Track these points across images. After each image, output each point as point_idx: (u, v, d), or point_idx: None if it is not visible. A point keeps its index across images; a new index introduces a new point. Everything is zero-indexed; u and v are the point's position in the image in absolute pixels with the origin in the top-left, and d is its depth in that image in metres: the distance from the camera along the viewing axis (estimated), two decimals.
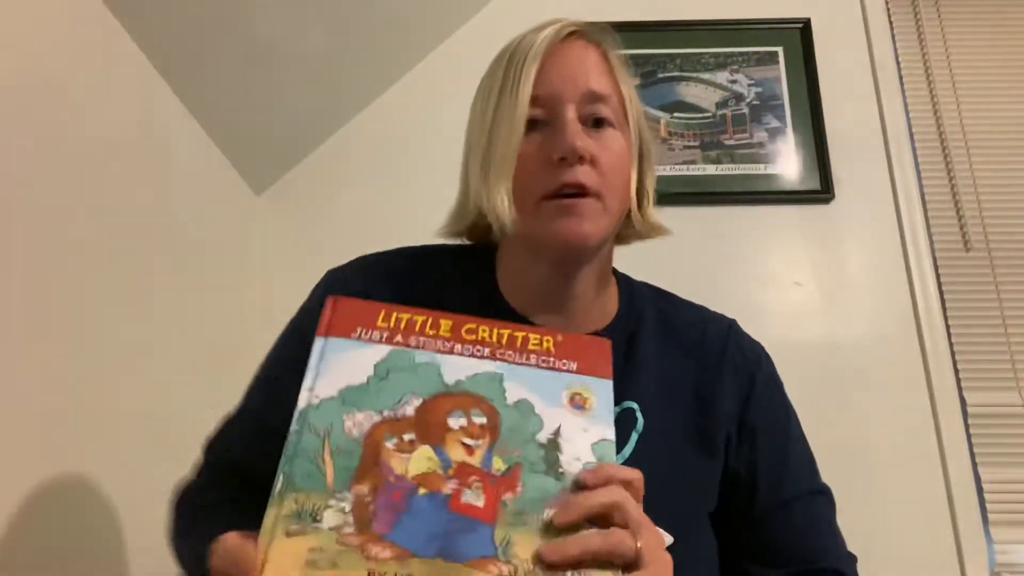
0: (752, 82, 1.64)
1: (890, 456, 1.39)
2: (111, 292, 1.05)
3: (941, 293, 1.50)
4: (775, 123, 1.60)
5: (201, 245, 1.36)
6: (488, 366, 0.51)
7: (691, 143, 1.60)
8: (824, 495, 0.72)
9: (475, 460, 0.47)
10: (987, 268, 1.55)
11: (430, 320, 0.52)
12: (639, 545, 0.45)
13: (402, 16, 1.53)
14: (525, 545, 0.44)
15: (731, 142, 1.59)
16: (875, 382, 1.44)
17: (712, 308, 0.78)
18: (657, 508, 0.63)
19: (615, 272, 0.77)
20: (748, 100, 1.62)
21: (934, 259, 1.53)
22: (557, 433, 0.49)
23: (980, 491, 1.38)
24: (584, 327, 0.70)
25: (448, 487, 0.45)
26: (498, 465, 0.47)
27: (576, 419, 0.50)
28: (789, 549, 0.67)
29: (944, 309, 1.49)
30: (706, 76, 1.65)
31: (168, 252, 1.22)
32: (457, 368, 0.50)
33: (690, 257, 1.49)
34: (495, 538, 0.44)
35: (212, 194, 1.43)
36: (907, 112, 1.63)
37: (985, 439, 1.42)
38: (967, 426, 1.42)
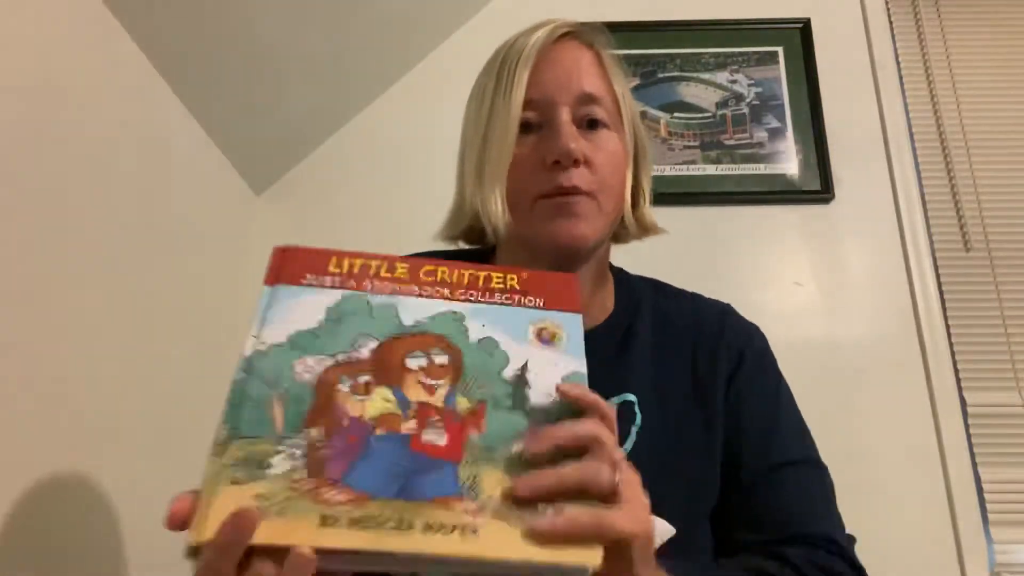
0: (752, 82, 1.64)
1: (890, 456, 1.39)
2: (111, 292, 1.05)
3: (941, 293, 1.50)
4: (775, 123, 1.60)
5: (201, 245, 1.36)
6: (449, 306, 0.49)
7: (691, 143, 1.60)
8: (815, 466, 0.70)
9: (437, 400, 0.45)
10: (987, 268, 1.55)
11: (385, 264, 0.50)
12: (617, 479, 0.42)
13: (402, 16, 1.53)
14: (493, 481, 0.42)
15: (731, 142, 1.59)
16: (875, 382, 1.44)
17: (705, 299, 0.78)
18: (658, 502, 0.63)
19: (612, 267, 0.77)
20: (748, 100, 1.62)
21: (934, 259, 1.53)
22: (524, 368, 0.47)
23: (980, 491, 1.38)
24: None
25: (407, 427, 0.43)
26: (463, 404, 0.45)
27: (545, 353, 0.48)
28: (777, 515, 0.66)
29: (944, 309, 1.49)
30: (706, 76, 1.65)
31: (168, 252, 1.22)
32: (416, 309, 0.48)
33: (690, 257, 1.49)
34: (460, 476, 0.42)
35: (212, 194, 1.43)
36: (907, 112, 1.63)
37: (985, 439, 1.42)
38: (967, 426, 1.42)
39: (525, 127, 0.65)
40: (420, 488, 0.41)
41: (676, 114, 1.62)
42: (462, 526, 0.40)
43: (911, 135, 1.62)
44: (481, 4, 1.68)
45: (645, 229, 0.73)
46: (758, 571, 0.61)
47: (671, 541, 0.62)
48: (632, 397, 0.67)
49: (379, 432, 0.43)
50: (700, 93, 1.64)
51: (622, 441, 0.65)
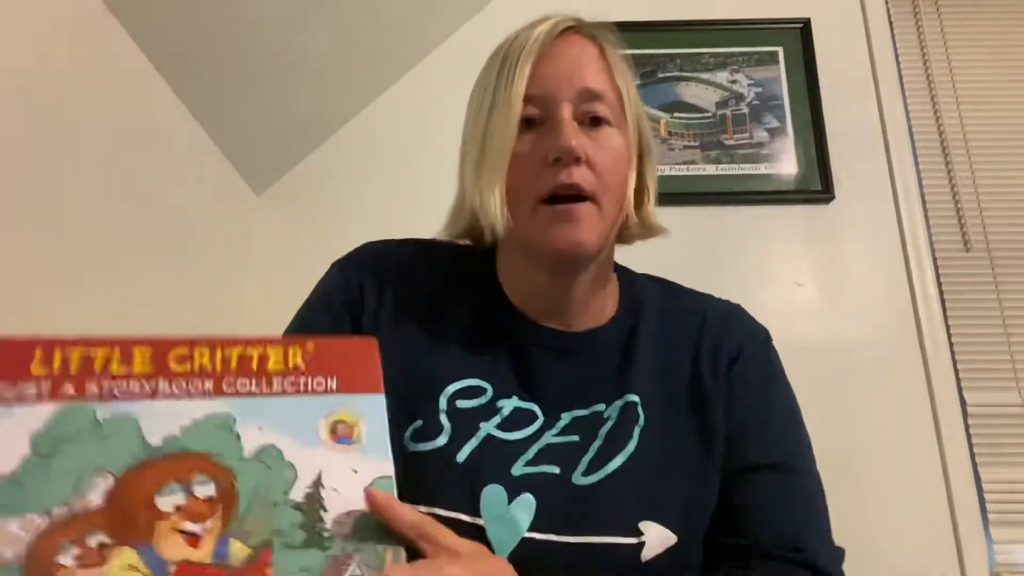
0: (752, 82, 1.64)
1: (890, 456, 1.39)
2: (111, 292, 1.05)
3: (941, 293, 1.50)
4: (775, 123, 1.60)
5: (201, 245, 1.36)
6: (212, 405, 0.36)
7: (691, 143, 1.60)
8: (795, 472, 0.66)
9: (204, 554, 0.33)
10: (987, 268, 1.54)
11: (117, 351, 0.36)
12: None
13: (402, 16, 1.53)
14: None
15: (731, 142, 1.59)
16: (875, 382, 1.43)
17: (715, 299, 0.76)
18: (661, 502, 0.62)
19: (616, 266, 0.76)
20: (748, 100, 1.62)
21: (934, 259, 1.53)
22: (318, 483, 0.36)
23: (980, 491, 1.38)
24: (585, 325, 0.70)
25: None
26: (239, 552, 0.34)
27: (342, 457, 0.38)
28: (741, 519, 0.63)
29: (944, 309, 1.49)
30: (706, 76, 1.65)
31: (168, 252, 1.22)
32: (166, 418, 0.35)
33: (690, 257, 1.49)
34: None
35: (212, 194, 1.43)
36: (907, 112, 1.63)
37: (985, 439, 1.42)
38: (967, 426, 1.42)
39: (526, 123, 0.63)
40: None
41: (676, 114, 1.62)
42: None
43: (911, 135, 1.62)
44: (481, 4, 1.68)
45: (649, 229, 0.71)
46: None
47: (670, 550, 0.61)
48: (635, 398, 0.66)
49: None
50: (700, 93, 1.64)
51: (625, 442, 0.64)
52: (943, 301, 1.50)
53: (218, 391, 0.37)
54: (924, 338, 1.46)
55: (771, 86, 1.63)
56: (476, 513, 0.58)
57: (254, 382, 0.38)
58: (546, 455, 0.62)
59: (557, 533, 0.58)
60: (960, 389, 1.44)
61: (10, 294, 0.85)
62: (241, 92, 1.36)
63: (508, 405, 0.64)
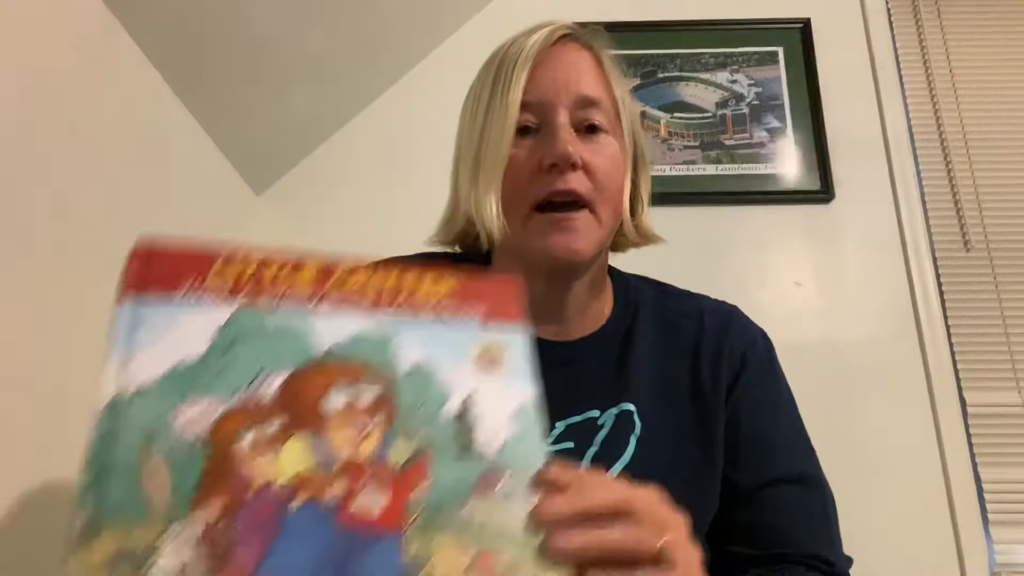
0: (752, 82, 1.64)
1: (890, 456, 1.39)
2: (111, 292, 1.05)
3: (941, 293, 1.50)
4: (775, 123, 1.60)
5: None
6: (372, 323, 0.39)
7: (691, 143, 1.60)
8: (814, 483, 0.68)
9: (368, 450, 0.35)
10: (987, 268, 1.54)
11: (288, 266, 0.39)
12: (662, 543, 0.38)
13: (402, 16, 1.53)
14: (449, 554, 0.34)
15: (731, 142, 1.59)
16: (875, 382, 1.43)
17: (711, 300, 0.76)
18: None
19: (611, 269, 0.76)
20: (748, 100, 1.62)
21: (934, 259, 1.53)
22: (468, 403, 0.38)
23: (980, 491, 1.38)
24: (579, 332, 0.69)
25: (334, 492, 0.34)
26: (400, 452, 0.36)
27: (489, 382, 0.39)
28: (771, 531, 0.64)
29: (944, 309, 1.49)
30: (706, 76, 1.65)
31: None
32: (331, 329, 0.38)
33: (690, 257, 1.49)
34: (408, 551, 0.33)
35: (212, 194, 1.43)
36: (907, 112, 1.63)
37: (985, 439, 1.42)
38: (967, 426, 1.42)
39: (522, 130, 0.63)
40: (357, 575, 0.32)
41: (676, 114, 1.62)
42: None
43: (911, 135, 1.62)
44: (481, 4, 1.68)
45: (644, 237, 0.71)
46: None
47: None
48: (630, 406, 0.66)
49: (297, 502, 0.33)
50: (700, 93, 1.64)
51: (621, 451, 0.64)
52: (943, 301, 1.50)
53: (377, 310, 0.39)
54: (924, 338, 1.46)
55: (771, 86, 1.63)
56: None
57: (408, 305, 0.40)
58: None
59: None
60: (960, 389, 1.44)
61: (10, 294, 0.85)
62: (241, 92, 1.36)
63: None
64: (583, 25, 0.70)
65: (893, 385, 1.44)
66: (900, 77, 1.66)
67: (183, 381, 0.34)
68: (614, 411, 0.65)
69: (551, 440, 0.63)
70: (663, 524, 0.39)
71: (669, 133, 1.60)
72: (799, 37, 1.66)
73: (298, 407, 0.35)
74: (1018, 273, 1.54)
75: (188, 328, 0.36)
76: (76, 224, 0.98)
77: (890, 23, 1.69)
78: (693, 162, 1.58)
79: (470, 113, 0.68)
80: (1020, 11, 1.72)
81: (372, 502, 0.34)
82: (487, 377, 0.39)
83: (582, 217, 0.62)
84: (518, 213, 0.63)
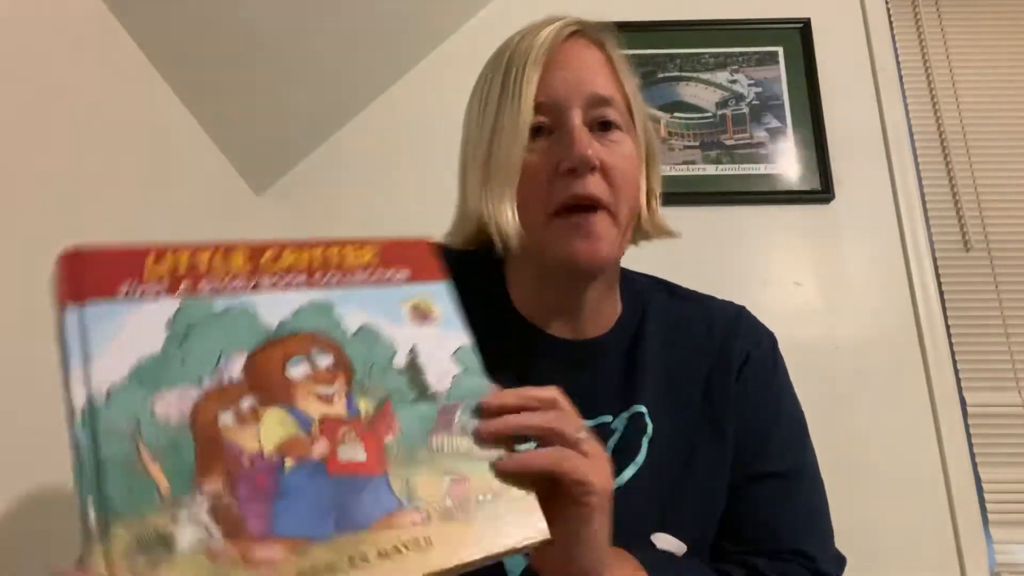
0: (752, 82, 1.63)
1: (890, 456, 1.39)
2: None
3: (941, 293, 1.50)
4: (775, 123, 1.60)
5: None
6: (311, 295, 0.42)
7: (691, 143, 1.60)
8: (806, 479, 0.67)
9: (338, 409, 0.39)
10: (987, 268, 1.54)
11: (219, 254, 0.41)
12: (582, 434, 0.44)
13: (402, 16, 1.53)
14: (427, 483, 0.39)
15: (731, 142, 1.59)
16: (875, 382, 1.43)
17: (719, 301, 0.76)
18: (672, 514, 0.62)
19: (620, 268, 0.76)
20: (748, 100, 1.62)
21: (934, 259, 1.53)
22: (414, 352, 0.43)
23: (980, 491, 1.38)
24: (592, 332, 0.69)
25: (319, 450, 0.38)
26: (365, 407, 0.40)
27: (425, 331, 0.44)
28: (755, 526, 0.64)
29: (944, 309, 1.49)
30: (706, 76, 1.65)
31: None
32: (275, 306, 0.41)
33: (690, 257, 1.49)
34: (394, 488, 0.38)
35: (212, 194, 1.42)
36: (907, 112, 1.63)
37: (985, 439, 1.42)
38: (967, 426, 1.42)
39: (534, 131, 0.61)
40: (357, 514, 0.36)
41: (676, 114, 1.62)
42: (414, 541, 0.37)
43: (911, 135, 1.62)
44: (482, 4, 1.68)
45: (659, 231, 0.70)
46: (725, 574, 0.60)
47: (683, 557, 0.61)
48: (642, 407, 0.65)
49: (289, 463, 0.37)
50: (700, 93, 1.64)
51: (634, 454, 0.63)
52: (943, 301, 1.50)
53: (312, 284, 0.43)
54: (924, 338, 1.46)
55: (771, 86, 1.63)
56: None
57: (340, 275, 0.44)
58: None
59: None
60: (960, 389, 1.44)
61: (10, 294, 0.85)
62: (241, 92, 1.36)
63: None
64: (590, 21, 0.69)
65: (893, 385, 1.44)
66: (900, 77, 1.66)
67: (150, 375, 0.36)
68: (626, 415, 0.65)
69: None
70: (580, 426, 0.45)
71: (669, 133, 1.60)
72: (799, 37, 1.66)
73: (265, 382, 0.38)
74: (1018, 273, 1.54)
75: (138, 325, 0.37)
76: (76, 224, 0.98)
77: (890, 23, 1.69)
78: (693, 162, 1.58)
79: (478, 113, 0.65)
80: (1020, 11, 1.72)
81: (354, 452, 0.38)
82: (424, 329, 0.45)
83: (601, 220, 0.60)
84: (536, 219, 0.61)
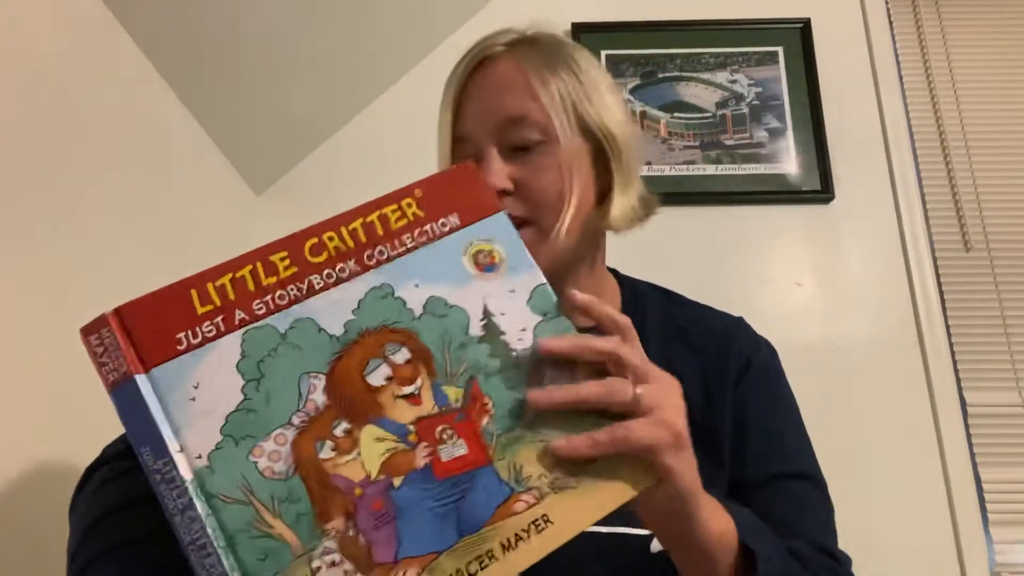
0: (752, 82, 1.63)
1: (890, 456, 1.39)
2: (111, 292, 1.05)
3: (941, 293, 1.50)
4: (775, 123, 1.60)
5: (201, 245, 1.36)
6: (368, 281, 0.39)
7: (691, 143, 1.60)
8: (815, 484, 0.68)
9: (428, 407, 0.38)
10: (987, 268, 1.54)
11: (261, 266, 0.38)
12: (638, 391, 0.42)
13: (402, 16, 1.53)
14: (532, 460, 0.38)
15: (731, 142, 1.59)
16: (875, 382, 1.43)
17: (718, 312, 0.76)
18: None
19: (618, 275, 0.76)
20: (748, 100, 1.62)
21: (934, 259, 1.53)
22: (488, 313, 0.40)
23: (980, 491, 1.38)
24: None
25: (421, 457, 0.37)
26: (454, 394, 0.38)
27: (495, 283, 0.41)
28: (779, 523, 0.63)
29: (944, 309, 1.49)
30: (706, 76, 1.65)
31: (168, 252, 1.22)
32: (335, 307, 0.38)
33: (690, 257, 1.49)
34: (501, 474, 0.37)
35: (212, 194, 1.42)
36: (907, 112, 1.63)
37: (985, 439, 1.42)
38: (967, 426, 1.42)
39: (477, 159, 0.66)
40: (475, 512, 0.36)
41: (676, 114, 1.62)
42: (533, 524, 0.37)
43: (911, 135, 1.62)
44: (481, 4, 1.68)
45: (620, 223, 0.69)
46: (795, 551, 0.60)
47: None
48: None
49: (397, 481, 0.36)
50: (700, 93, 1.64)
51: None
52: (943, 301, 1.50)
53: (364, 267, 0.39)
54: (924, 338, 1.46)
55: (771, 86, 1.63)
56: None
57: (390, 247, 0.40)
58: None
59: None
60: (960, 389, 1.44)
61: (9, 294, 0.85)
62: (241, 92, 1.36)
63: None
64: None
65: (893, 385, 1.44)
66: (900, 77, 1.66)
67: (241, 428, 0.35)
68: None
69: None
70: (644, 375, 0.43)
71: (669, 133, 1.60)
72: (799, 37, 1.66)
73: (349, 399, 0.37)
74: (1018, 273, 1.54)
75: (211, 377, 0.35)
76: (76, 224, 0.98)
77: (890, 23, 1.69)
78: (693, 162, 1.58)
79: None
80: (1020, 11, 1.72)
81: (457, 448, 0.37)
82: (492, 281, 0.41)
83: (525, 235, 0.61)
84: None
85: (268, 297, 0.37)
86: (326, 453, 0.35)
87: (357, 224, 0.41)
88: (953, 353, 1.46)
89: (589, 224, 0.68)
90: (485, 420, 0.38)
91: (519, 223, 0.62)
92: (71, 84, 0.98)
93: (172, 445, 0.34)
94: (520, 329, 0.40)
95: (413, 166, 1.76)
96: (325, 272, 0.39)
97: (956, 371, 1.45)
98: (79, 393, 0.97)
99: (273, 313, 0.37)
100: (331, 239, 0.40)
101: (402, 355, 0.38)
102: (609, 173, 0.69)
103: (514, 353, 0.40)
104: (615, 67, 1.63)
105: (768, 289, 1.51)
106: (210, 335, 0.36)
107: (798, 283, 1.51)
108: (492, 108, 0.66)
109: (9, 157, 0.86)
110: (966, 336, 1.50)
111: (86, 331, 0.36)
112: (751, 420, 0.68)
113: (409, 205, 0.42)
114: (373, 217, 0.41)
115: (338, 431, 0.36)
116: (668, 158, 1.57)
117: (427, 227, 0.41)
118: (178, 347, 0.35)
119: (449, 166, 0.64)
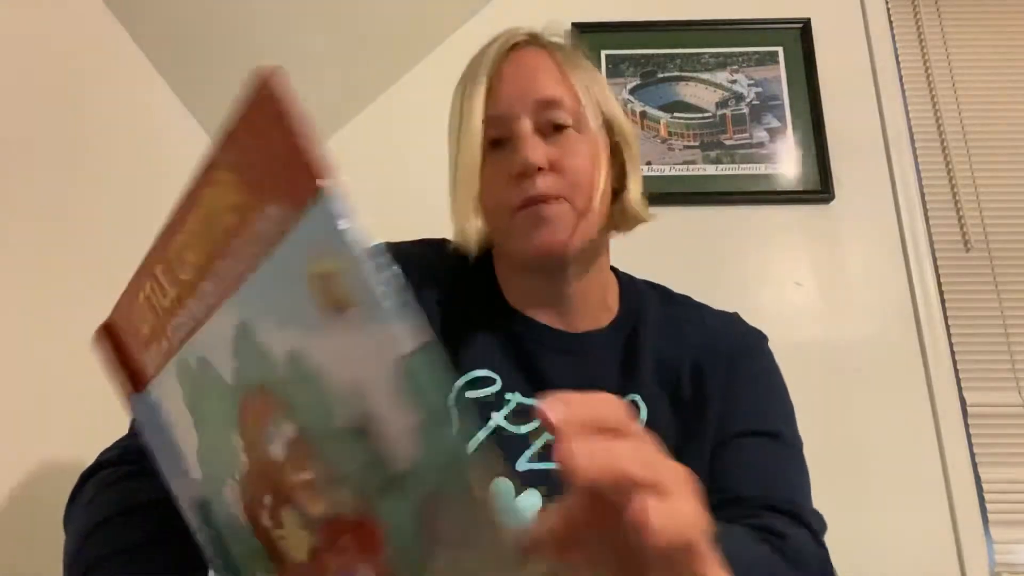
0: (752, 82, 1.63)
1: (890, 456, 1.38)
2: (110, 292, 1.05)
3: (941, 293, 1.50)
4: (775, 123, 1.60)
5: None
6: (228, 313, 0.28)
7: (691, 143, 1.59)
8: (792, 446, 0.67)
9: (322, 506, 0.28)
10: (987, 268, 1.54)
11: (159, 277, 0.31)
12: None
13: (402, 16, 1.53)
14: None
15: (731, 142, 1.59)
16: (875, 382, 1.43)
17: (712, 308, 0.77)
18: None
19: (617, 272, 0.77)
20: (748, 100, 1.62)
21: (934, 259, 1.53)
22: (356, 390, 0.24)
23: (980, 491, 1.38)
24: (585, 327, 0.71)
25: (336, 562, 0.28)
26: (342, 500, 0.27)
27: (353, 335, 0.24)
28: (744, 477, 0.63)
29: (944, 309, 1.49)
30: (706, 76, 1.65)
31: None
32: (217, 348, 0.28)
33: (690, 257, 1.49)
34: None
35: None
36: (907, 112, 1.63)
37: (985, 439, 1.42)
38: (967, 426, 1.42)
39: (497, 143, 0.66)
40: None
41: (676, 114, 1.62)
42: None
43: (911, 135, 1.62)
44: (481, 4, 1.68)
45: (631, 219, 0.72)
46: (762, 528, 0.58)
47: None
48: (637, 397, 0.67)
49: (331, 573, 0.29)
50: (700, 93, 1.64)
51: None
52: (943, 301, 1.50)
53: (221, 287, 0.28)
54: (924, 338, 1.46)
55: (771, 86, 1.63)
56: None
57: (229, 260, 0.28)
58: (550, 451, 0.62)
59: None
60: (960, 389, 1.44)
61: (8, 293, 0.85)
62: (241, 92, 1.36)
63: (515, 399, 0.66)
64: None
65: (893, 385, 1.44)
66: (900, 77, 1.66)
67: (208, 467, 0.32)
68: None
69: None
70: (655, 470, 0.31)
71: (669, 133, 1.60)
72: (799, 37, 1.66)
73: (264, 469, 0.29)
74: (1018, 273, 1.54)
75: (174, 410, 0.32)
76: (76, 224, 0.98)
77: (890, 23, 1.69)
78: (693, 162, 1.58)
79: (448, 132, 0.71)
80: (1020, 11, 1.71)
81: (363, 569, 0.27)
82: (349, 331, 0.24)
83: (556, 208, 0.64)
84: (502, 221, 0.66)
85: (176, 318, 0.30)
86: (267, 523, 0.30)
87: (191, 223, 0.29)
88: (953, 353, 1.46)
89: (606, 217, 0.70)
90: (383, 554, 0.26)
91: (553, 198, 0.64)
92: (71, 84, 0.99)
93: (179, 465, 0.33)
94: (400, 429, 0.23)
95: (413, 166, 1.77)
96: (198, 296, 0.29)
97: (956, 371, 1.45)
98: (79, 393, 0.97)
99: (182, 342, 0.30)
100: (178, 247, 0.29)
101: (287, 429, 0.27)
102: (622, 169, 0.71)
103: (398, 471, 0.24)
104: (615, 67, 1.63)
105: (768, 289, 1.51)
106: (159, 364, 0.32)
107: (798, 283, 1.51)
108: (529, 88, 0.66)
109: (9, 157, 0.86)
110: (966, 336, 1.49)
111: (94, 340, 0.34)
112: (729, 394, 0.68)
113: (226, 191, 0.27)
114: (199, 214, 0.29)
115: (266, 502, 0.30)
116: (668, 158, 1.57)
117: (254, 225, 0.26)
118: (148, 377, 0.33)
119: (475, 153, 0.64)
